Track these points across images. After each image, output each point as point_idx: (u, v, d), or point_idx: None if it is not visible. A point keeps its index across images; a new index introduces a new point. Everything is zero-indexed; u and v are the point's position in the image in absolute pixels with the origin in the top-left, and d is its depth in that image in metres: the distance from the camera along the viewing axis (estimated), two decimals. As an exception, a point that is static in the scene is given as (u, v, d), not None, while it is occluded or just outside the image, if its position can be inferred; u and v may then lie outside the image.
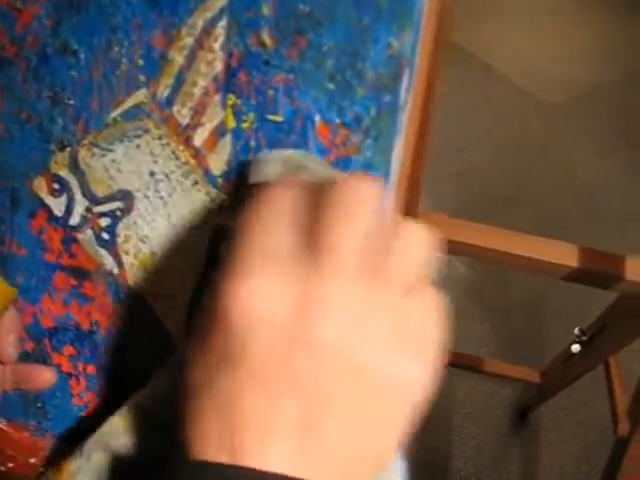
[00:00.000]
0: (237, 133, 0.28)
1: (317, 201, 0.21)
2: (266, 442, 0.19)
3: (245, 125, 0.28)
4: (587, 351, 0.93)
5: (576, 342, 0.94)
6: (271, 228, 0.21)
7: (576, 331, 0.94)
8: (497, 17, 2.51)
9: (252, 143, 0.28)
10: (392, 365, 0.20)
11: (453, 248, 0.77)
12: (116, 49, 0.29)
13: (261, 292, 0.20)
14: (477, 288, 1.62)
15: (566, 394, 1.27)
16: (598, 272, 0.68)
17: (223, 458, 0.19)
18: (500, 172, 1.93)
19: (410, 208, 0.74)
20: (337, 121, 0.27)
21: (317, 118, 0.27)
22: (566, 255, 0.69)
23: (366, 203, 0.21)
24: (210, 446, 0.20)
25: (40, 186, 0.33)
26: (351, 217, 0.20)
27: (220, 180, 0.29)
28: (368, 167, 0.27)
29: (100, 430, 0.28)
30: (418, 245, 0.21)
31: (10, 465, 0.36)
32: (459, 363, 1.25)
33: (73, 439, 0.36)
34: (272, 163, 0.27)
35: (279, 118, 0.27)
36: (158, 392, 0.28)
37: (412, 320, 0.21)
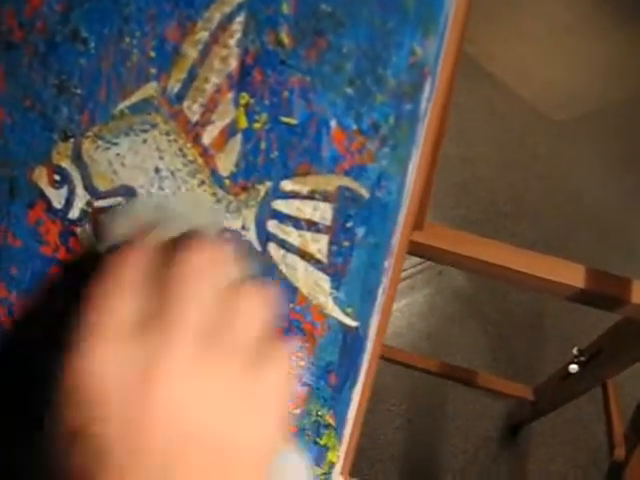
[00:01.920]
0: (248, 133, 0.27)
1: (166, 270, 0.23)
2: None
3: (257, 125, 0.27)
4: (584, 372, 0.92)
5: (574, 362, 0.93)
6: (122, 294, 0.23)
7: (574, 351, 0.92)
8: (508, 30, 2.50)
9: (263, 145, 0.27)
10: (235, 431, 0.22)
11: (454, 260, 0.76)
12: (127, 39, 0.28)
13: (112, 361, 0.21)
14: (475, 300, 1.61)
15: (559, 412, 1.26)
16: (603, 294, 0.66)
17: None
18: (503, 186, 1.93)
19: (417, 221, 0.73)
20: (354, 127, 0.25)
21: (333, 123, 0.26)
22: (572, 275, 0.67)
23: (209, 273, 0.23)
24: None
25: (40, 176, 0.31)
26: (195, 291, 0.22)
27: (227, 181, 0.28)
28: (383, 176, 0.26)
29: None
30: (255, 309, 0.23)
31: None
32: (452, 375, 1.23)
33: None
34: (121, 220, 0.29)
35: (293, 121, 0.26)
36: None
37: (256, 385, 0.23)
